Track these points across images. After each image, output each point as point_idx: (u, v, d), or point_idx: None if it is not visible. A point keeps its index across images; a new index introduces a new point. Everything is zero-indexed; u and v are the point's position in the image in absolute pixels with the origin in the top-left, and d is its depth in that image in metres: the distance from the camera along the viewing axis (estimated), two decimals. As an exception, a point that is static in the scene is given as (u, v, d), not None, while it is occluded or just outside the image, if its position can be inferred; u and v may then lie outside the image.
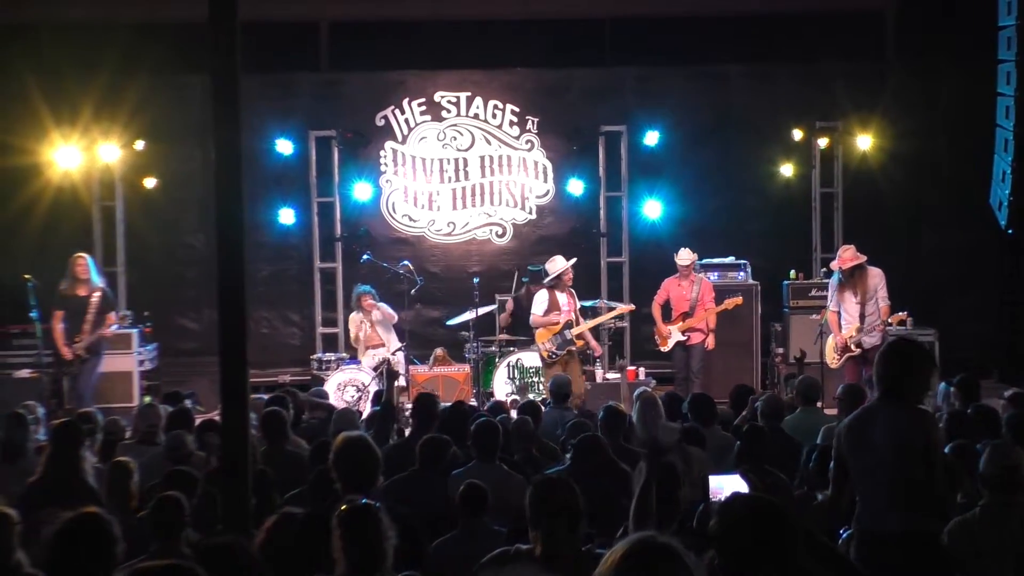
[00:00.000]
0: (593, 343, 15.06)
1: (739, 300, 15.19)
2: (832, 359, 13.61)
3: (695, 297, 14.83)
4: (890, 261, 13.81)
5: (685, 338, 14.79)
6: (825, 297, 14.80)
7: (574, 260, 14.75)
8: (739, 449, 8.04)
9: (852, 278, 13.35)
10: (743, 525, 4.08)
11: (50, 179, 16.23)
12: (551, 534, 5.08)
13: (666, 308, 15.05)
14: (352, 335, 15.55)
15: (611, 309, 15.56)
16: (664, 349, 15.04)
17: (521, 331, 15.52)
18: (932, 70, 17.27)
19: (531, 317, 14.58)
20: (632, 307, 15.69)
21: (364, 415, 11.99)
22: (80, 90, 16.25)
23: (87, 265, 13.79)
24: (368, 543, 5.15)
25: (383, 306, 15.27)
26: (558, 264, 14.51)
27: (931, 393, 6.40)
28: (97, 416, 10.29)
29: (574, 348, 14.36)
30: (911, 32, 17.72)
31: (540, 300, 14.53)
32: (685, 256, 14.92)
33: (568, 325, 14.35)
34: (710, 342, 14.87)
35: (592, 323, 15.13)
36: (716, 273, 15.99)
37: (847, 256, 13.40)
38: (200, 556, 4.79)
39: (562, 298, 14.43)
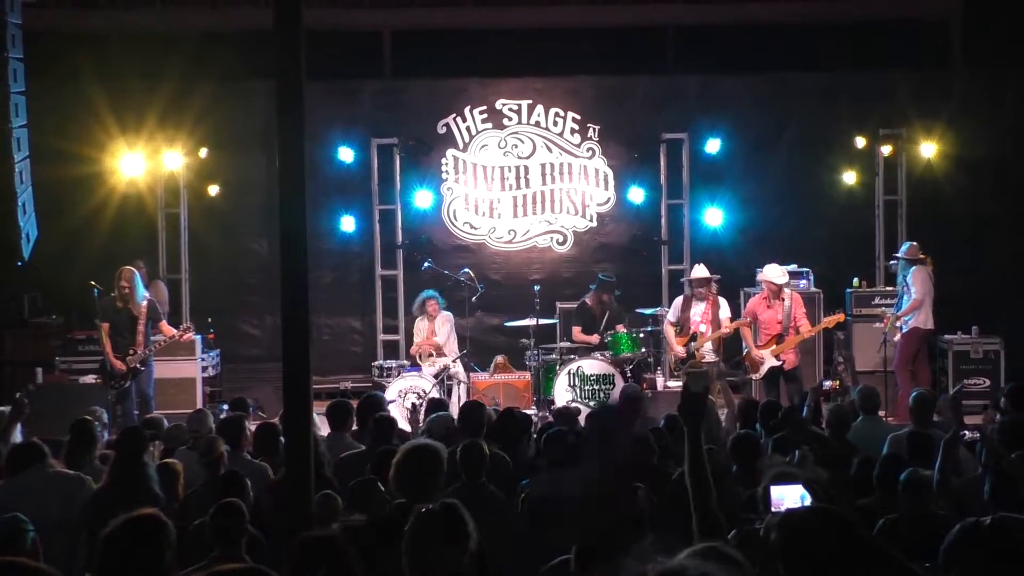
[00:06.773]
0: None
1: (840, 316, 14.37)
2: None
3: (787, 316, 13.70)
4: (954, 268, 13.68)
5: (780, 363, 13.68)
6: (889, 305, 14.83)
7: (699, 267, 14.75)
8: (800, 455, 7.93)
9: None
10: (807, 537, 4.01)
11: (115, 186, 16.33)
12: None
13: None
14: (414, 348, 15.62)
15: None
16: (756, 377, 13.97)
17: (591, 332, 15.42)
18: (998, 77, 17.11)
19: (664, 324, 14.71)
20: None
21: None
22: (145, 98, 16.36)
23: (133, 278, 13.52)
24: (451, 543, 5.10)
25: (447, 315, 15.50)
26: (693, 273, 14.67)
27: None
28: (162, 422, 10.38)
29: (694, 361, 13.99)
30: (977, 39, 17.55)
31: (673, 307, 14.68)
32: (773, 273, 13.90)
33: (693, 338, 14.22)
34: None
35: (716, 335, 14.36)
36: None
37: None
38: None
39: (698, 308, 14.31)
